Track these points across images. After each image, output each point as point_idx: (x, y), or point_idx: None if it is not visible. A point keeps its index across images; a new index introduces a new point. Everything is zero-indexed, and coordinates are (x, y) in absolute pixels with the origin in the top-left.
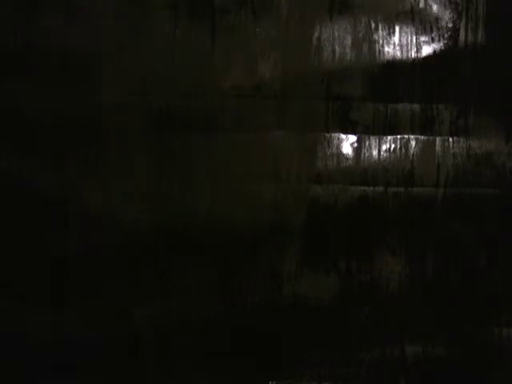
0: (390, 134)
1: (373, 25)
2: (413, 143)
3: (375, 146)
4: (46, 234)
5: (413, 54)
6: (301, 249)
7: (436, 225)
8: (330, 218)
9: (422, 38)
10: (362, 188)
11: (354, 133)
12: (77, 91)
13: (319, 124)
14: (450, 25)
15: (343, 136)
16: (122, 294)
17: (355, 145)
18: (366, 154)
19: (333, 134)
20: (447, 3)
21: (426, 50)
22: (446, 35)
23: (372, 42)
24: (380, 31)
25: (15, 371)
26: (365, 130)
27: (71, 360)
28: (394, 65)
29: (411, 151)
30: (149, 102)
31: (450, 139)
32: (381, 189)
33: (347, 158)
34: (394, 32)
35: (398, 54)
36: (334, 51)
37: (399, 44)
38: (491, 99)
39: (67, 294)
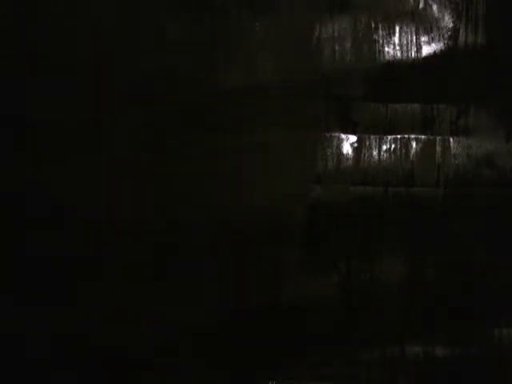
0: (390, 134)
1: (373, 25)
2: (413, 143)
3: (375, 146)
4: (44, 234)
5: (413, 54)
6: (301, 249)
7: (436, 225)
8: (330, 217)
9: (422, 38)
10: (362, 188)
11: (353, 133)
12: (76, 91)
13: (319, 124)
14: (450, 25)
15: (343, 136)
16: (121, 295)
17: (355, 145)
18: (366, 154)
19: (333, 134)
20: (447, 3)
21: (426, 50)
22: (446, 35)
23: (372, 42)
24: (380, 31)
25: (15, 371)
26: (365, 129)
27: (71, 360)
28: (393, 65)
29: (411, 151)
30: (148, 102)
31: (450, 139)
32: (381, 189)
33: (347, 158)
34: (394, 32)
35: (398, 54)
36: (333, 51)
37: (399, 44)
38: (491, 99)
39: (66, 294)
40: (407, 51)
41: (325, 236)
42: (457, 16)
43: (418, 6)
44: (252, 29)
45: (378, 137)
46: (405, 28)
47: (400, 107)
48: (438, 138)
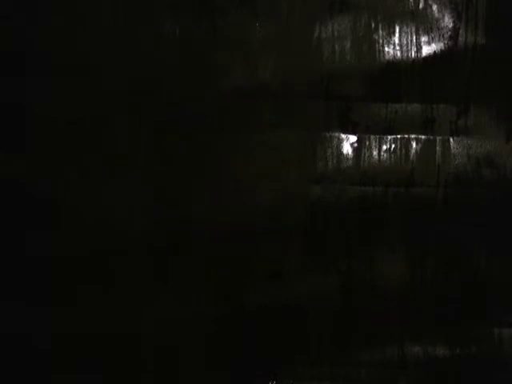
0: (390, 134)
1: (373, 25)
2: (413, 143)
3: (375, 146)
4: (44, 234)
5: (413, 54)
6: (300, 249)
7: (436, 225)
8: (329, 218)
9: (422, 38)
10: (362, 188)
11: (353, 133)
12: (76, 91)
13: (319, 124)
14: (450, 25)
15: (343, 136)
16: (121, 295)
17: (355, 145)
18: (366, 154)
19: (333, 134)
20: (447, 3)
21: (426, 50)
22: (446, 35)
23: (372, 42)
24: (380, 31)
25: (16, 371)
26: (365, 129)
27: (71, 360)
28: (394, 65)
29: (411, 151)
30: (148, 102)
31: (450, 139)
32: (381, 189)
33: (347, 158)
34: (394, 32)
35: (398, 53)
36: (333, 51)
37: (399, 44)
38: (491, 99)
39: (66, 294)
40: (407, 51)
41: (325, 236)
42: (457, 16)
43: (418, 6)
44: (252, 29)
45: (377, 137)
46: (405, 28)
47: (400, 107)
48: (438, 138)
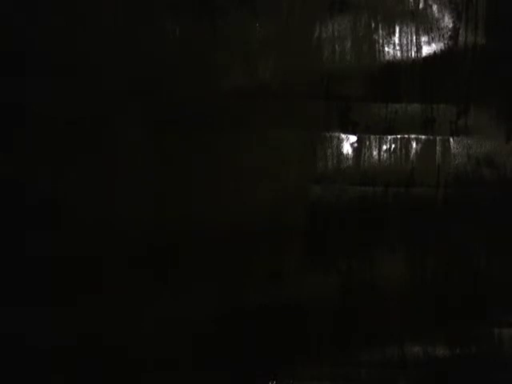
0: (390, 134)
1: (373, 25)
2: (413, 143)
3: (375, 146)
4: (44, 234)
5: (413, 54)
6: (300, 249)
7: (436, 225)
8: (329, 218)
9: (422, 38)
10: (362, 188)
11: (353, 133)
12: (76, 91)
13: (319, 124)
14: (450, 25)
15: (343, 136)
16: (121, 295)
17: (355, 145)
18: (366, 154)
19: (333, 134)
20: (447, 3)
21: (426, 50)
22: (446, 35)
23: (372, 42)
24: (380, 31)
25: (15, 371)
26: (365, 130)
27: (71, 360)
28: (393, 65)
29: (411, 151)
30: (148, 102)
31: (450, 139)
32: (381, 189)
33: (347, 158)
34: (394, 32)
35: (398, 54)
36: (334, 51)
37: (399, 44)
38: (491, 99)
39: (66, 294)
40: (407, 51)
41: (325, 236)
42: (457, 16)
43: (418, 6)
44: (252, 29)
45: (377, 137)
46: (405, 28)
47: (400, 107)
48: (438, 138)
